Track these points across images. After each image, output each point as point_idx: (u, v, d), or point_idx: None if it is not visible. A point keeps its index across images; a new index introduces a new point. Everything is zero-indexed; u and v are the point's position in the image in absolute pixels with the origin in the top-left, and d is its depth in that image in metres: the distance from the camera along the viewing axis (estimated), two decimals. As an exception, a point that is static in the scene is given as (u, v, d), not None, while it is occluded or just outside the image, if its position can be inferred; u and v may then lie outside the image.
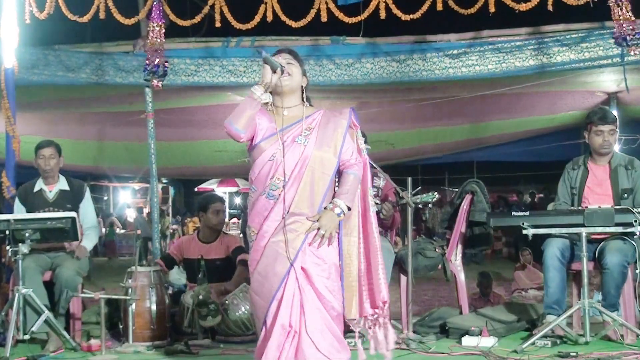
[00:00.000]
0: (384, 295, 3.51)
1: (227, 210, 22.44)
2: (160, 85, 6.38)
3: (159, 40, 6.28)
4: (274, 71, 3.44)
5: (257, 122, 3.48)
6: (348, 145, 3.53)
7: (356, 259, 3.53)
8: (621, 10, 5.59)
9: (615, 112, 7.15)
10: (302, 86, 3.58)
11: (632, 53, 5.70)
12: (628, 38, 5.60)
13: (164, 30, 6.34)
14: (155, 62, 6.27)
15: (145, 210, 20.12)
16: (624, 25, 5.60)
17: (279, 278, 3.32)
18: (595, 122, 5.05)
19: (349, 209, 3.47)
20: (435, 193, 5.21)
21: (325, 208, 3.43)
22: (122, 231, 20.53)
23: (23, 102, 6.86)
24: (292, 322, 3.30)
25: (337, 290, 3.42)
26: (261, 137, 3.47)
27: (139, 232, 16.92)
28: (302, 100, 3.58)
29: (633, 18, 5.64)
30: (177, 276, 6.35)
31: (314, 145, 3.45)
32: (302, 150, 3.43)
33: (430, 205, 5.20)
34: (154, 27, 6.28)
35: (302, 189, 3.41)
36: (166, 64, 6.37)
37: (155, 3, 6.31)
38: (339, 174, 3.54)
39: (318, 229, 3.37)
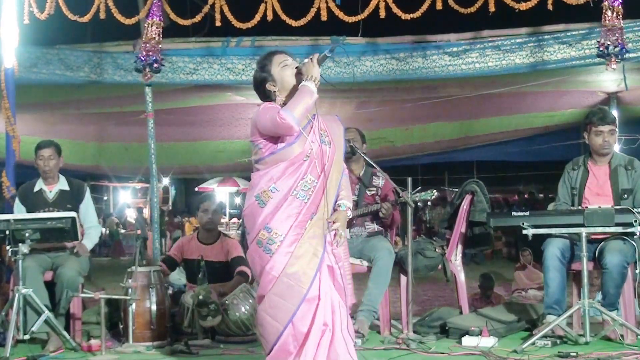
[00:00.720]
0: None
1: (227, 210, 22.42)
2: (150, 75, 6.32)
3: (156, 38, 6.27)
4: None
5: None
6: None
7: (344, 258, 3.59)
8: (612, 14, 5.58)
9: (615, 112, 7.15)
10: None
11: (612, 66, 5.69)
12: (610, 48, 5.59)
13: (161, 28, 6.33)
14: (152, 56, 6.25)
15: (146, 211, 20.12)
16: (610, 30, 5.60)
17: (309, 279, 3.30)
18: (595, 122, 5.03)
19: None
20: (434, 190, 5.21)
21: (335, 209, 3.47)
22: (122, 231, 20.54)
23: (23, 103, 6.86)
24: (327, 321, 3.31)
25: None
26: (291, 138, 3.39)
27: (139, 232, 16.90)
28: None
29: (621, 26, 5.63)
30: (177, 276, 6.36)
31: (335, 147, 3.48)
32: (328, 150, 3.45)
33: (429, 203, 5.21)
34: (151, 23, 6.27)
35: (328, 189, 3.42)
36: (162, 60, 6.35)
37: (155, 2, 6.31)
38: None
39: (336, 229, 3.41)
